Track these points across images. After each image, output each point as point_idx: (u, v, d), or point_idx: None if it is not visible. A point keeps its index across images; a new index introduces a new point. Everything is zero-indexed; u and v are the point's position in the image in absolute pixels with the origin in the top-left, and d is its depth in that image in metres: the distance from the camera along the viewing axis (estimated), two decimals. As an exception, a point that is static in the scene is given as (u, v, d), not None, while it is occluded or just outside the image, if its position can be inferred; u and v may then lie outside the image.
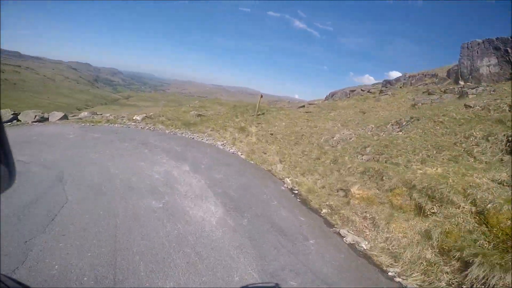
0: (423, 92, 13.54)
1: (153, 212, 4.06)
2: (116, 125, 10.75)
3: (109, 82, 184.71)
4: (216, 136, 11.60)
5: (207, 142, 10.58)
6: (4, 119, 10.08)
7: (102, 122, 10.77)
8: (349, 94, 25.12)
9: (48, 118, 10.49)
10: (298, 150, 8.67)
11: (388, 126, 7.62)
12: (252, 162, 8.69)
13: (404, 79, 18.94)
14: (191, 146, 8.96)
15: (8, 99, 65.58)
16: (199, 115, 14.09)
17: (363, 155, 6.58)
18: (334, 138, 8.26)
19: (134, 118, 12.80)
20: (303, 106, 24.19)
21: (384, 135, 7.23)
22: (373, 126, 8.07)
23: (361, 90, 24.66)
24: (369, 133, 7.84)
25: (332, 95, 28.03)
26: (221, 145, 10.45)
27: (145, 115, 12.96)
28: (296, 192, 6.27)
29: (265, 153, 9.55)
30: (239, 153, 9.65)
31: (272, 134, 11.04)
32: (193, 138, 10.80)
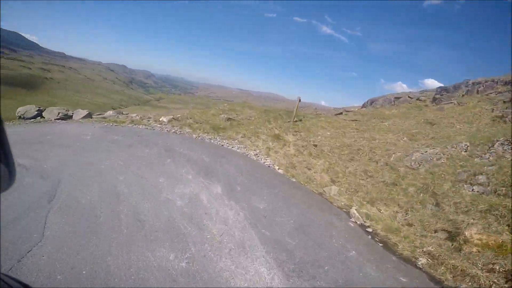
0: (504, 102, 10.92)
1: (172, 282, 2.52)
2: (141, 126, 9.69)
3: (143, 84, 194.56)
4: (247, 144, 10.09)
5: (238, 151, 9.10)
6: (29, 115, 9.50)
7: (126, 122, 9.78)
8: (394, 102, 22.50)
9: (72, 116, 9.75)
10: (357, 169, 6.82)
11: (495, 145, 5.50)
12: (294, 179, 7.01)
13: (467, 86, 16.12)
14: (221, 156, 7.49)
15: (52, 96, 70.93)
16: (228, 119, 12.73)
17: (472, 184, 4.60)
18: (413, 158, 6.27)
19: (160, 119, 11.78)
20: (341, 113, 21.96)
21: (493, 159, 5.14)
22: (467, 144, 5.97)
23: (409, 97, 21.97)
24: (463, 153, 5.77)
25: (371, 102, 25.48)
26: (254, 155, 8.90)
27: (172, 117, 11.88)
28: (370, 230, 4.45)
29: (309, 169, 7.81)
30: (276, 167, 8.03)
31: (316, 146, 9.25)
32: (222, 145, 9.38)
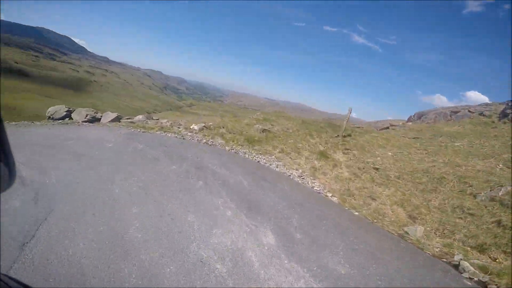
0: None
1: None
2: (170, 134, 8.63)
3: (176, 90, 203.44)
4: (287, 162, 8.52)
5: (277, 170, 7.56)
6: (57, 116, 8.95)
7: (155, 129, 8.79)
8: (451, 116, 19.61)
9: (100, 118, 9.04)
10: (445, 203, 4.94)
11: None
12: (357, 213, 5.30)
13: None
14: (262, 178, 6.00)
15: (95, 99, 76.21)
16: (264, 131, 11.31)
17: None
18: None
19: (191, 127, 10.74)
20: (387, 127, 19.50)
21: None
22: None
23: (469, 111, 18.96)
24: None
25: (419, 116, 22.57)
26: (298, 176, 7.31)
27: (203, 124, 10.77)
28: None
29: (373, 199, 6.03)
30: (328, 194, 6.38)
31: (377, 169, 7.40)
32: (259, 162, 7.92)
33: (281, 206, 4.54)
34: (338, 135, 10.76)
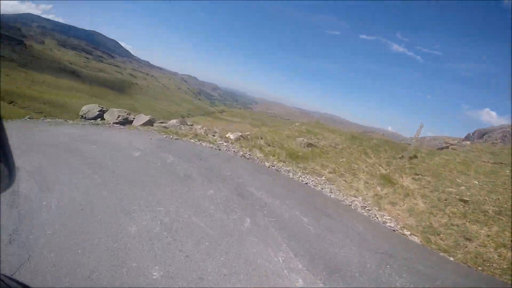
0: None
1: None
2: (204, 143, 7.53)
3: (209, 96, 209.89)
4: (342, 185, 6.91)
5: (332, 195, 6.01)
6: (90, 115, 8.40)
7: (189, 136, 7.77)
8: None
9: (132, 120, 8.30)
10: None
11: None
12: (452, 258, 3.66)
13: None
14: (323, 212, 4.50)
15: (135, 100, 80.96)
16: (309, 145, 9.78)
17: None
18: None
19: (227, 136, 9.63)
20: (447, 147, 16.70)
21: None
22: None
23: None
24: None
25: (481, 134, 19.13)
26: (362, 207, 5.70)
27: (240, 134, 9.60)
28: None
29: (468, 239, 4.29)
30: (406, 232, 4.76)
31: (465, 201, 5.54)
32: (307, 184, 6.43)
33: (369, 263, 3.01)
34: (402, 156, 8.83)
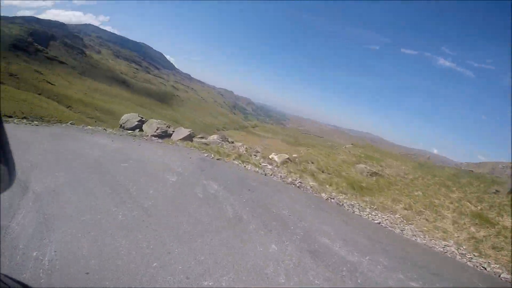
0: None
1: None
2: (249, 166, 6.38)
3: (243, 110, 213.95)
4: (422, 225, 5.36)
5: (418, 240, 4.40)
6: (129, 125, 7.86)
7: (231, 157, 6.70)
8: None
9: (171, 134, 7.55)
10: None
11: None
12: None
13: None
14: (424, 268, 3.01)
15: (174, 111, 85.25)
16: (373, 174, 8.07)
17: None
18: None
19: (270, 157, 8.41)
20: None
21: None
22: None
23: None
24: None
25: None
26: (461, 254, 4.15)
27: (287, 157, 8.30)
28: None
29: None
30: None
31: None
32: (380, 224, 4.91)
33: None
34: (496, 191, 6.71)
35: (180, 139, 7.16)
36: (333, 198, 5.90)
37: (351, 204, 5.79)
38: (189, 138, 7.43)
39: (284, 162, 7.93)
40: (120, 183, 3.58)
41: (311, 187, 6.44)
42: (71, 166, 3.96)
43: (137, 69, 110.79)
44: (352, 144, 15.58)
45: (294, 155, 8.90)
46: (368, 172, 7.96)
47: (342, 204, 5.62)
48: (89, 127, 7.67)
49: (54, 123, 9.65)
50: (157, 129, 7.18)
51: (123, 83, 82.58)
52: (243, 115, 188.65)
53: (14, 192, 2.82)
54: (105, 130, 7.47)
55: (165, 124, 7.62)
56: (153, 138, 7.00)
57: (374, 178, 7.74)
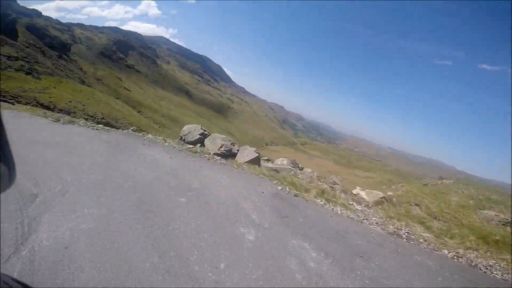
0: None
1: None
2: (338, 208, 4.56)
3: (293, 126, 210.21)
4: None
5: None
6: (190, 138, 6.90)
7: (311, 192, 4.98)
8: None
9: (236, 153, 6.27)
10: None
11: None
12: None
13: None
14: None
15: (229, 122, 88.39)
16: (507, 223, 5.33)
17: None
18: None
19: (355, 193, 6.38)
20: None
21: None
22: None
23: None
24: None
25: None
26: None
27: (382, 195, 6.15)
28: None
29: None
30: None
31: None
32: None
33: None
34: None
35: (246, 162, 5.79)
36: (460, 257, 3.77)
37: (488, 265, 3.67)
38: (257, 161, 6.00)
39: (380, 203, 5.83)
40: (174, 244, 2.20)
41: (424, 240, 4.33)
42: (112, 196, 2.82)
43: (199, 80, 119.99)
44: (443, 179, 12.22)
45: (389, 193, 6.65)
46: (500, 221, 5.34)
47: (476, 265, 3.58)
48: (149, 135, 6.98)
49: (118, 128, 9.60)
50: (221, 147, 5.98)
51: (186, 93, 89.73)
52: (293, 131, 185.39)
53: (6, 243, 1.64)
54: (165, 140, 6.64)
55: (229, 141, 6.39)
56: (216, 157, 5.79)
57: (506, 228, 5.13)
